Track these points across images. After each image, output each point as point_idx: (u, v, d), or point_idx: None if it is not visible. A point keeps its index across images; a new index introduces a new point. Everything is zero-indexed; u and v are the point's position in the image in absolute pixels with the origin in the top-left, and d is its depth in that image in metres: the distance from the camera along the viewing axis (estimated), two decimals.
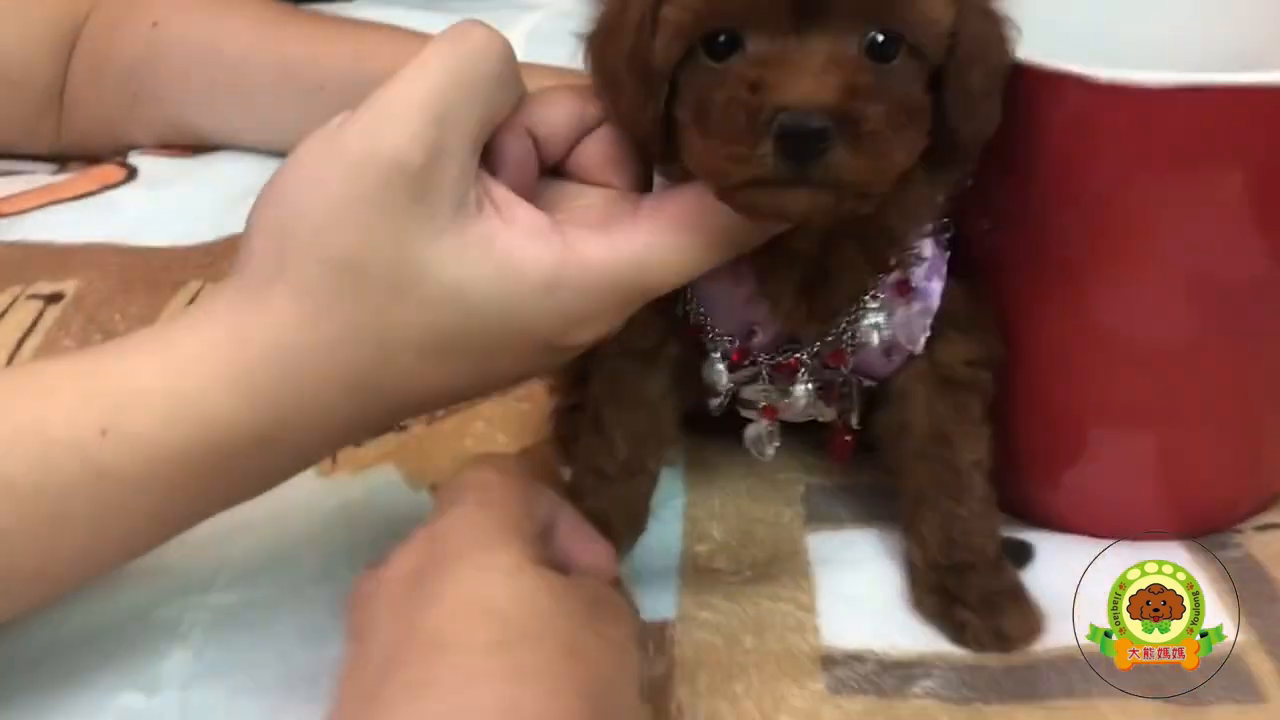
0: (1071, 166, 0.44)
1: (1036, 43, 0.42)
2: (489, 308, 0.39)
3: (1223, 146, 0.42)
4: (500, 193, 0.40)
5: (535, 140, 0.42)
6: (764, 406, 0.47)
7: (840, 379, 0.47)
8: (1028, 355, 0.48)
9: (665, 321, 0.46)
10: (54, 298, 0.65)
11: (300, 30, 0.81)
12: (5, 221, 0.75)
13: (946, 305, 0.46)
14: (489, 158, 0.41)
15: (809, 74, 0.36)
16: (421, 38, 0.78)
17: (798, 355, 0.45)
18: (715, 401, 0.47)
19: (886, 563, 0.48)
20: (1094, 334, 0.46)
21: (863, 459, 0.50)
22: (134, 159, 0.83)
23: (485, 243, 0.38)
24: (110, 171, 0.82)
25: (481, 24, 0.40)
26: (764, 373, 0.46)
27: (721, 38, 0.38)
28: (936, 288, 0.46)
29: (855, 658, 0.44)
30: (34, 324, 0.63)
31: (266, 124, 0.82)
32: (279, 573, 0.48)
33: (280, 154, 0.83)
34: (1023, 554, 0.48)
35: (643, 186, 0.43)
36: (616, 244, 0.40)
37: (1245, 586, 0.46)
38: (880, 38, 0.38)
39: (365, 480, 0.53)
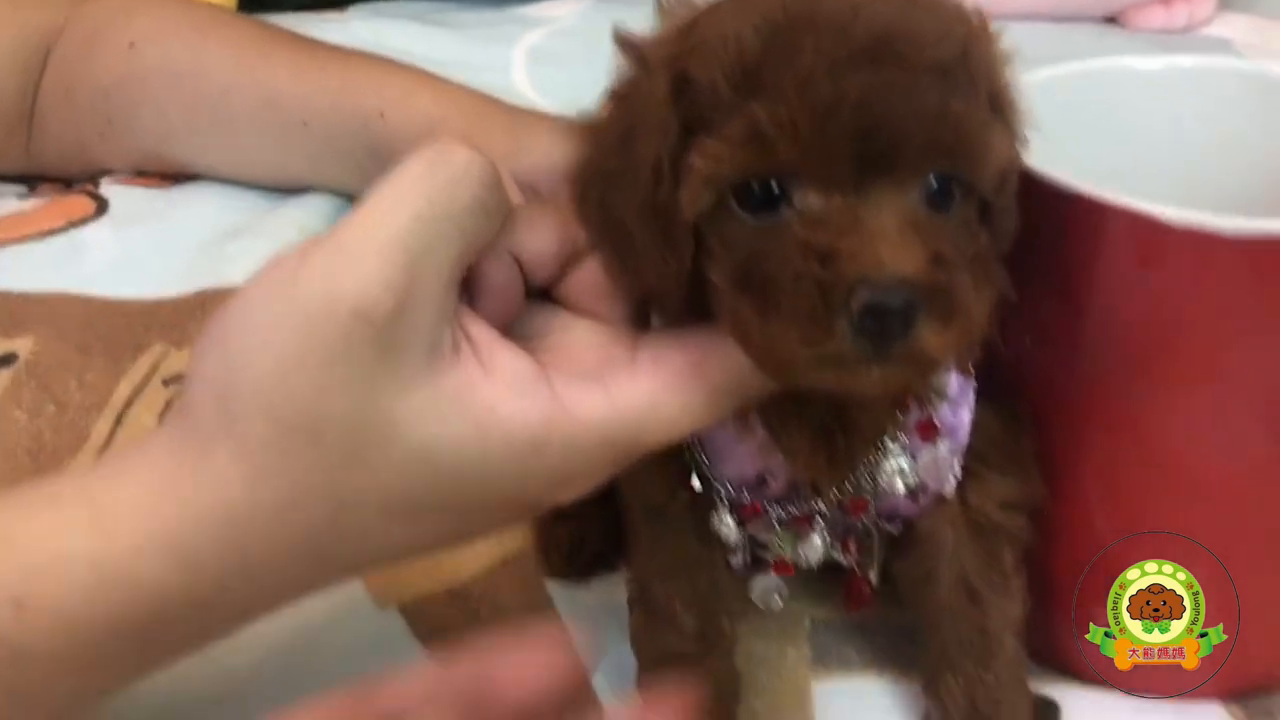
0: (1132, 298, 0.40)
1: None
2: (465, 470, 0.34)
3: None
4: (480, 332, 0.35)
5: (520, 264, 0.37)
6: (776, 560, 0.43)
7: (861, 528, 0.42)
8: (1070, 482, 0.43)
9: (673, 470, 0.41)
10: (7, 360, 0.61)
11: (285, 59, 0.75)
12: None
13: (978, 439, 0.41)
14: (466, 285, 0.36)
15: (888, 241, 0.31)
16: (414, 71, 0.73)
17: (813, 507, 0.41)
18: (735, 559, 0.42)
19: None
20: (1148, 457, 0.42)
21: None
22: (106, 188, 0.78)
23: (462, 397, 0.34)
24: (79, 204, 0.77)
25: (463, 146, 0.35)
26: (777, 524, 0.41)
27: (764, 188, 0.33)
28: (965, 419, 0.41)
29: None
30: None
31: (247, 157, 0.77)
32: (229, 706, 0.44)
33: (261, 188, 0.78)
34: (1049, 715, 0.44)
35: (638, 321, 0.38)
36: (614, 399, 0.35)
37: None
38: (937, 183, 0.33)
39: (328, 598, 0.48)
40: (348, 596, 0.48)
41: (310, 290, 0.33)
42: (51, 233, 0.73)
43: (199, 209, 0.76)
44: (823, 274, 0.31)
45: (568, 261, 0.37)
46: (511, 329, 0.37)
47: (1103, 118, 0.48)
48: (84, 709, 0.36)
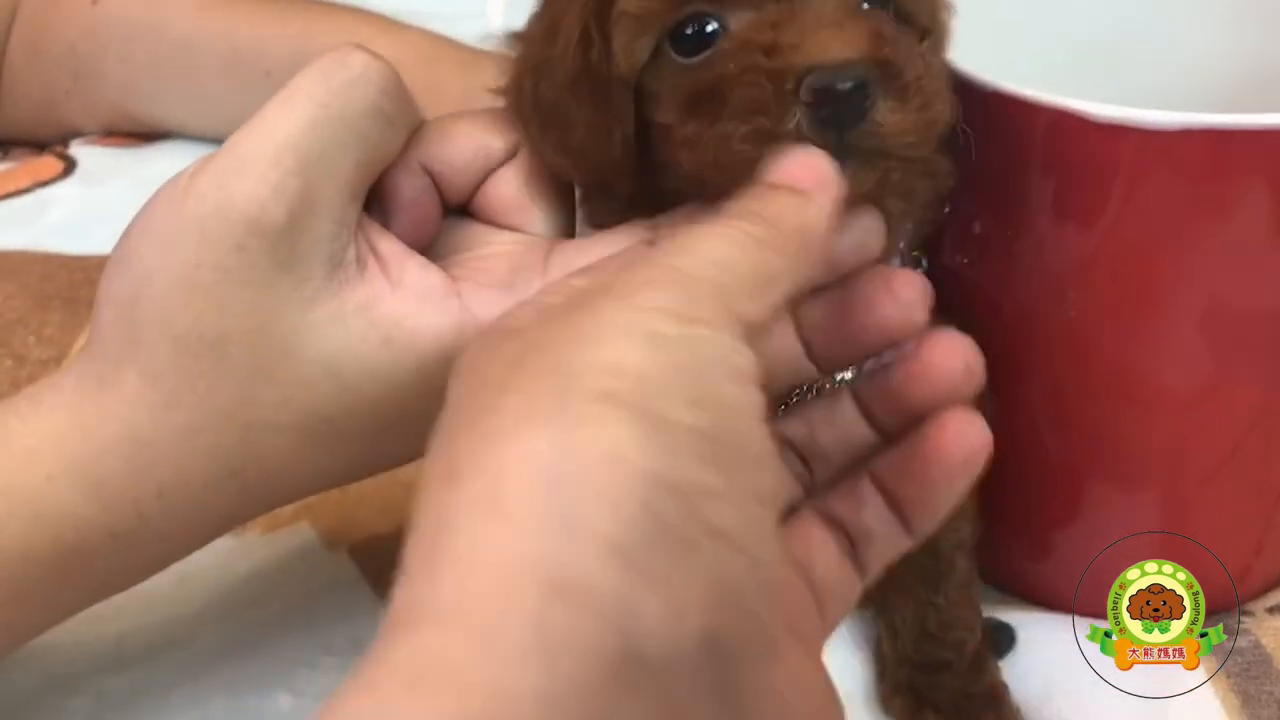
0: (1069, 202, 0.39)
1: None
2: (373, 385, 0.33)
3: (1237, 181, 0.37)
4: (388, 246, 0.35)
5: (434, 179, 0.36)
6: None
7: None
8: (1018, 404, 0.42)
9: None
10: None
11: (246, 9, 0.74)
12: None
13: None
14: (378, 202, 0.35)
15: (830, 27, 0.30)
16: (376, 18, 0.72)
17: None
18: None
19: (855, 652, 0.43)
20: (1094, 376, 0.41)
21: None
22: (75, 148, 0.78)
23: (367, 310, 0.33)
24: (47, 164, 0.76)
25: (360, 49, 0.34)
26: None
27: (696, 26, 0.32)
28: None
29: None
30: None
31: (214, 111, 0.76)
32: (175, 652, 0.43)
33: None
34: (1003, 639, 0.43)
35: (562, 231, 0.37)
36: None
37: (1251, 684, 0.40)
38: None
39: (277, 542, 0.47)
40: (298, 540, 0.48)
41: (202, 201, 0.32)
42: (18, 193, 0.72)
43: (167, 165, 0.74)
44: (769, 65, 0.30)
45: (484, 174, 0.37)
46: (431, 248, 0.36)
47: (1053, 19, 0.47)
48: (11, 644, 0.36)
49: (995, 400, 0.41)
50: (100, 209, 0.70)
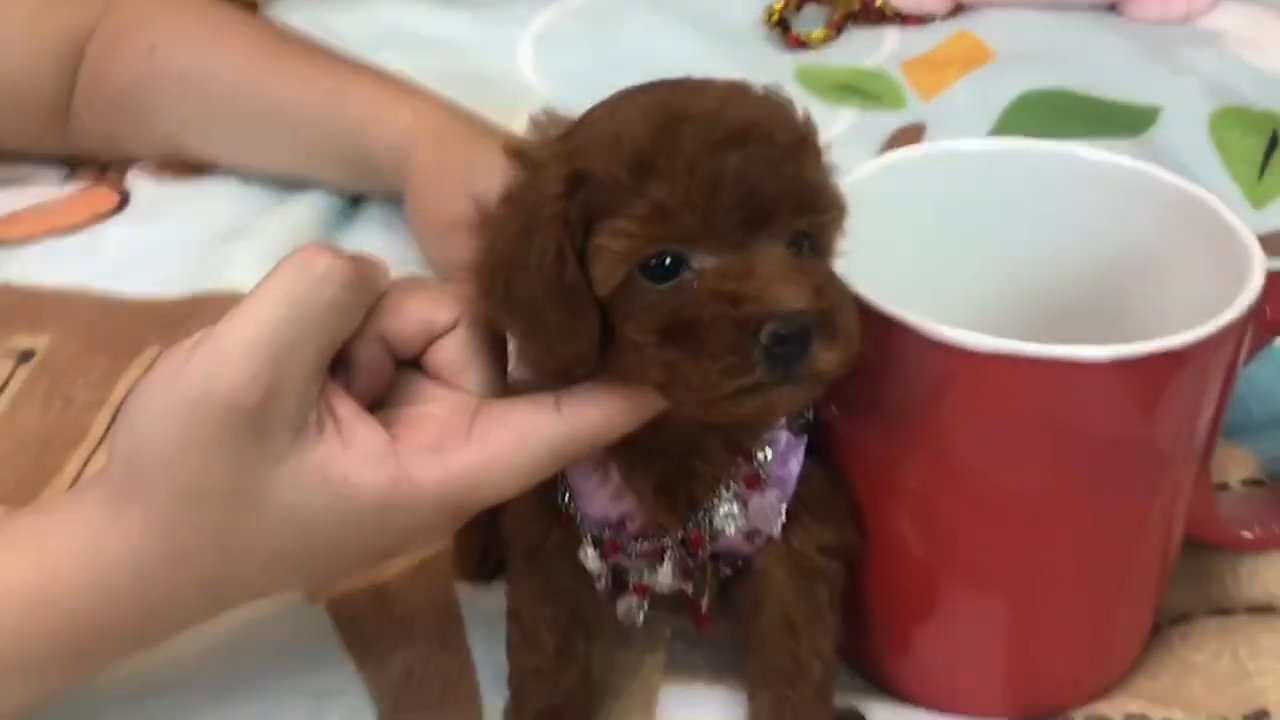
0: (905, 388, 0.46)
1: None
2: (324, 529, 0.42)
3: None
4: (344, 409, 0.43)
5: (389, 344, 0.44)
6: (635, 584, 0.50)
7: (700, 561, 0.49)
8: (885, 513, 0.49)
9: (548, 510, 0.48)
10: (26, 355, 0.70)
11: (287, 68, 0.83)
12: (3, 252, 0.79)
13: (804, 490, 0.48)
14: (342, 365, 0.44)
15: (781, 282, 0.39)
16: (395, 86, 0.80)
17: (663, 543, 0.48)
18: (599, 585, 0.49)
19: None
20: (954, 486, 0.47)
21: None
22: (132, 179, 0.87)
23: (321, 469, 0.42)
24: (104, 197, 0.85)
25: (325, 250, 0.42)
26: (632, 556, 0.49)
27: (667, 260, 0.40)
28: (794, 471, 0.48)
29: None
30: (3, 385, 0.68)
31: (251, 155, 0.85)
32: (174, 693, 0.52)
33: (272, 181, 0.86)
34: None
35: (494, 387, 0.45)
36: (449, 465, 0.42)
37: None
38: (800, 241, 0.41)
39: None
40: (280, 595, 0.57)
41: (191, 385, 0.40)
42: (78, 226, 0.82)
43: (210, 205, 0.84)
44: (736, 314, 0.39)
45: (429, 341, 0.45)
46: (385, 396, 0.45)
47: (943, 195, 0.54)
48: (36, 706, 0.46)
49: (865, 510, 0.49)
50: (148, 247, 0.80)
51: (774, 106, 0.42)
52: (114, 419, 0.66)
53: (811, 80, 1.02)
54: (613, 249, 0.40)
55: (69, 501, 0.45)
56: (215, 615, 0.46)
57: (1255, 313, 0.45)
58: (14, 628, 0.42)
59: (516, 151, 0.42)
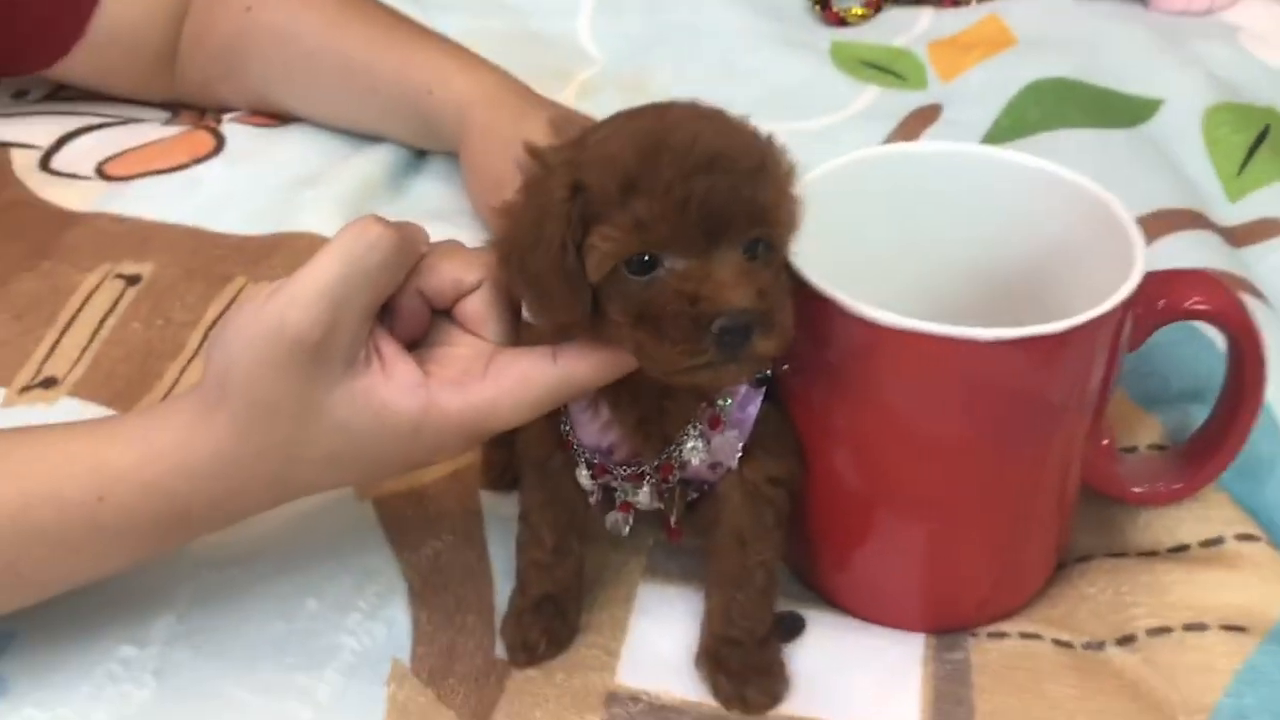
0: (834, 354, 0.56)
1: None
2: (368, 442, 0.53)
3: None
4: (388, 348, 0.54)
5: (426, 297, 0.55)
6: (621, 502, 0.61)
7: (670, 487, 0.60)
8: (826, 449, 0.59)
9: (553, 436, 0.59)
10: (133, 280, 0.82)
11: (362, 32, 0.93)
12: (111, 189, 0.91)
13: (759, 430, 0.58)
14: (388, 312, 0.55)
15: (731, 286, 0.49)
16: (461, 54, 0.90)
17: (642, 469, 0.59)
18: (591, 499, 0.61)
19: (692, 623, 0.61)
20: (881, 430, 0.57)
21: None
22: (227, 125, 0.98)
23: (367, 394, 0.53)
24: (203, 140, 0.96)
25: (377, 220, 0.52)
26: (618, 479, 0.60)
27: (645, 258, 0.50)
28: (752, 414, 0.58)
29: (632, 698, 0.58)
30: (114, 306, 0.80)
31: (330, 110, 0.96)
32: (249, 564, 0.65)
33: (347, 135, 0.96)
34: (794, 626, 0.62)
35: (508, 337, 0.56)
36: (468, 397, 0.53)
37: (944, 685, 0.58)
38: (756, 245, 0.51)
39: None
40: (335, 492, 0.68)
41: (269, 322, 0.51)
42: (178, 167, 0.93)
43: (292, 153, 0.94)
44: (693, 311, 0.49)
45: (459, 296, 0.56)
46: (421, 338, 0.56)
47: (898, 189, 0.63)
48: (142, 563, 0.58)
49: (808, 448, 0.60)
50: (236, 191, 0.91)
51: (742, 136, 0.52)
52: (205, 337, 0.78)
53: (843, 56, 1.09)
54: (602, 249, 0.50)
55: (169, 408, 0.56)
56: (281, 504, 0.58)
57: (1136, 303, 0.54)
58: (124, 504, 0.54)
59: (535, 152, 0.53)
